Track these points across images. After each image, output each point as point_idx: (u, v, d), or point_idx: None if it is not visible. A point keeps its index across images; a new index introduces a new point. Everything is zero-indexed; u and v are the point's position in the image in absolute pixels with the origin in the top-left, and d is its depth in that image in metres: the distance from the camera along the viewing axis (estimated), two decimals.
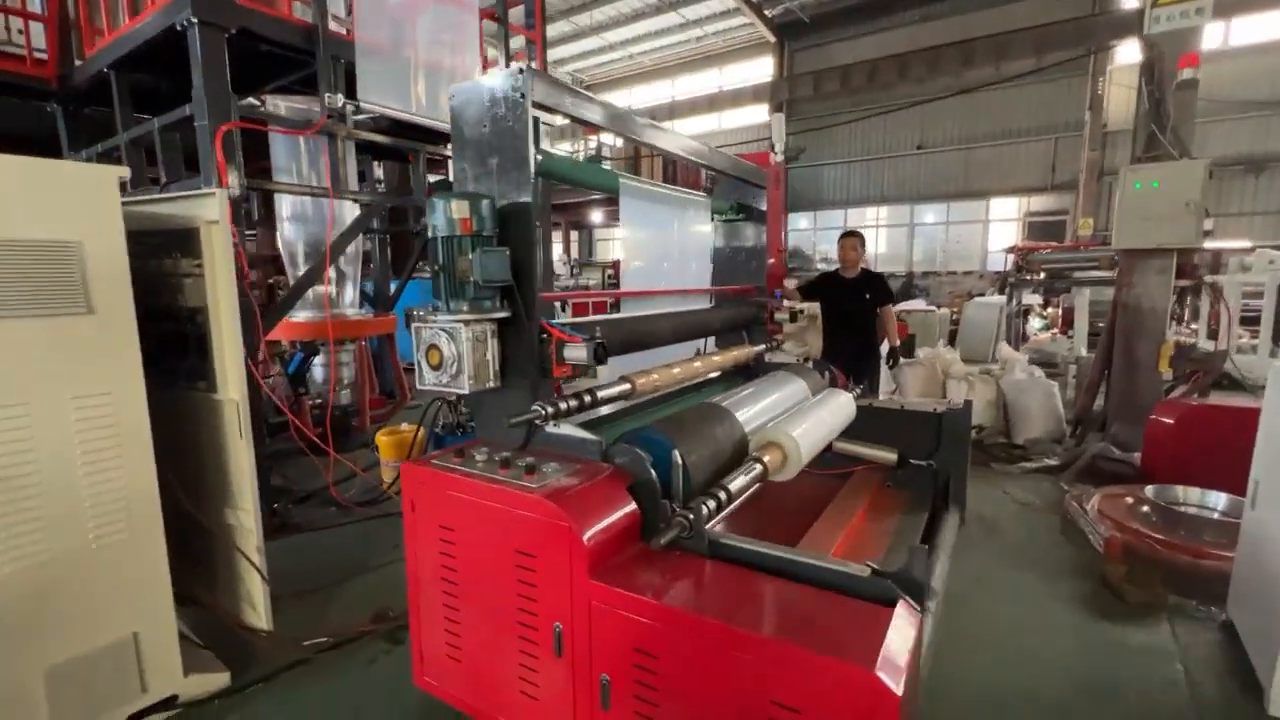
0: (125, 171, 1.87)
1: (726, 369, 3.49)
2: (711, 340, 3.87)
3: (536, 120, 2.08)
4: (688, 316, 3.03)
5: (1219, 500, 3.07)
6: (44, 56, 4.31)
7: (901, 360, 5.42)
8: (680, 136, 2.86)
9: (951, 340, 10.66)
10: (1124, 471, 3.96)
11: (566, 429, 2.01)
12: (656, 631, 1.46)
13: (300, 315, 4.81)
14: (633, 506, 1.78)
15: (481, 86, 2.01)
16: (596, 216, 19.89)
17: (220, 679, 2.19)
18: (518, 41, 5.30)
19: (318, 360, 4.88)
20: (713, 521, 2.43)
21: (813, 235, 20.36)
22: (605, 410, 2.59)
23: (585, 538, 1.58)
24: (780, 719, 1.30)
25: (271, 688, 2.23)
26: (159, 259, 2.27)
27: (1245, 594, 2.38)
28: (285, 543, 3.40)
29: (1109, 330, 4.39)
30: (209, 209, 2.13)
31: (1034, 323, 12.47)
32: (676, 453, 1.97)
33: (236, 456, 2.27)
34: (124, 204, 2.07)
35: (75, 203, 1.78)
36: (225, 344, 2.21)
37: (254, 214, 5.82)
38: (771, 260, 4.08)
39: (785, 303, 3.98)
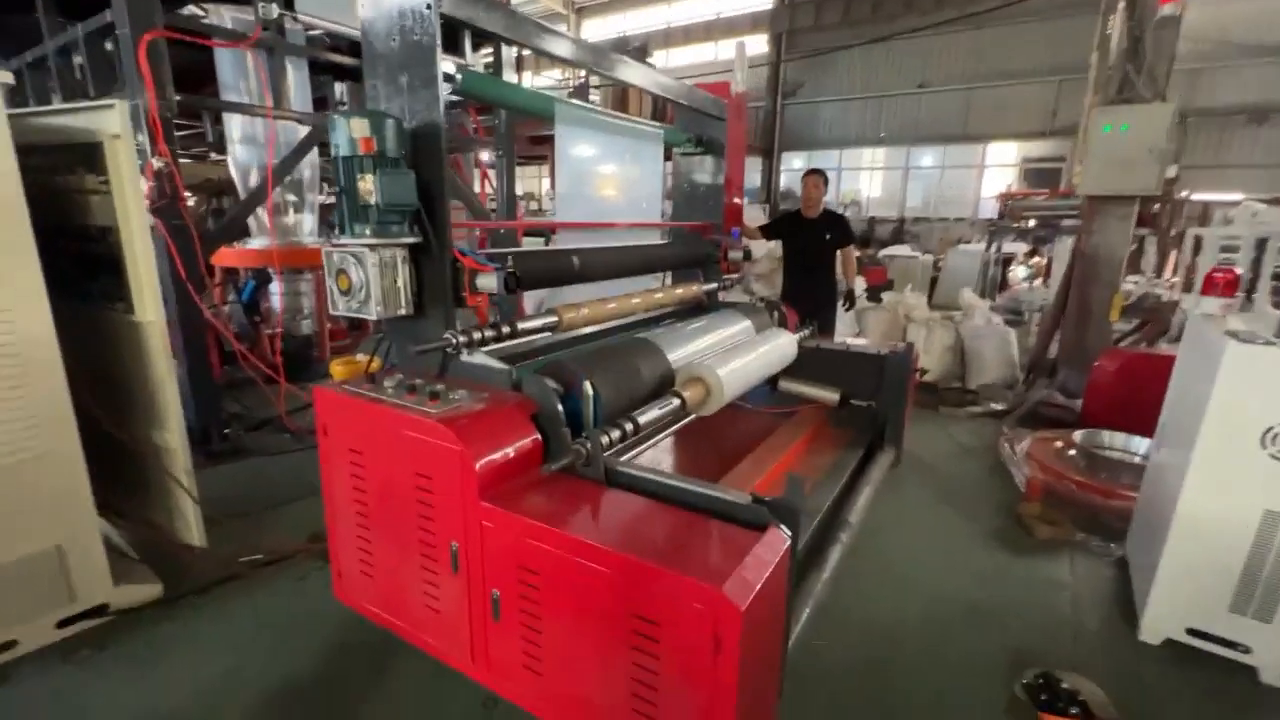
0: (8, 77, 1.78)
1: (678, 307, 3.49)
2: (670, 278, 3.87)
3: (488, 35, 1.97)
4: (630, 252, 2.99)
5: (1141, 445, 3.16)
6: None
7: (866, 302, 5.43)
8: (624, 61, 2.74)
9: (933, 286, 10.67)
10: (1065, 418, 4.05)
11: (480, 358, 2.03)
12: (537, 550, 1.52)
13: (255, 242, 4.72)
14: (535, 434, 1.81)
15: None
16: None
17: (153, 590, 2.28)
18: None
19: (276, 289, 4.83)
20: (633, 451, 2.50)
21: None
22: (540, 341, 2.61)
23: (476, 461, 1.62)
24: (641, 629, 1.38)
25: (203, 600, 2.32)
26: (64, 174, 2.20)
27: (1140, 530, 2.49)
28: (236, 466, 3.48)
29: (1066, 278, 4.39)
30: (111, 122, 2.05)
31: (1019, 271, 12.43)
32: (587, 384, 1.99)
33: (159, 379, 2.28)
34: (19, 114, 2.00)
35: None
36: (140, 265, 2.18)
37: (208, 135, 5.61)
38: (736, 199, 4.01)
39: (744, 241, 3.93)
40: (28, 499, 1.94)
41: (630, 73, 2.84)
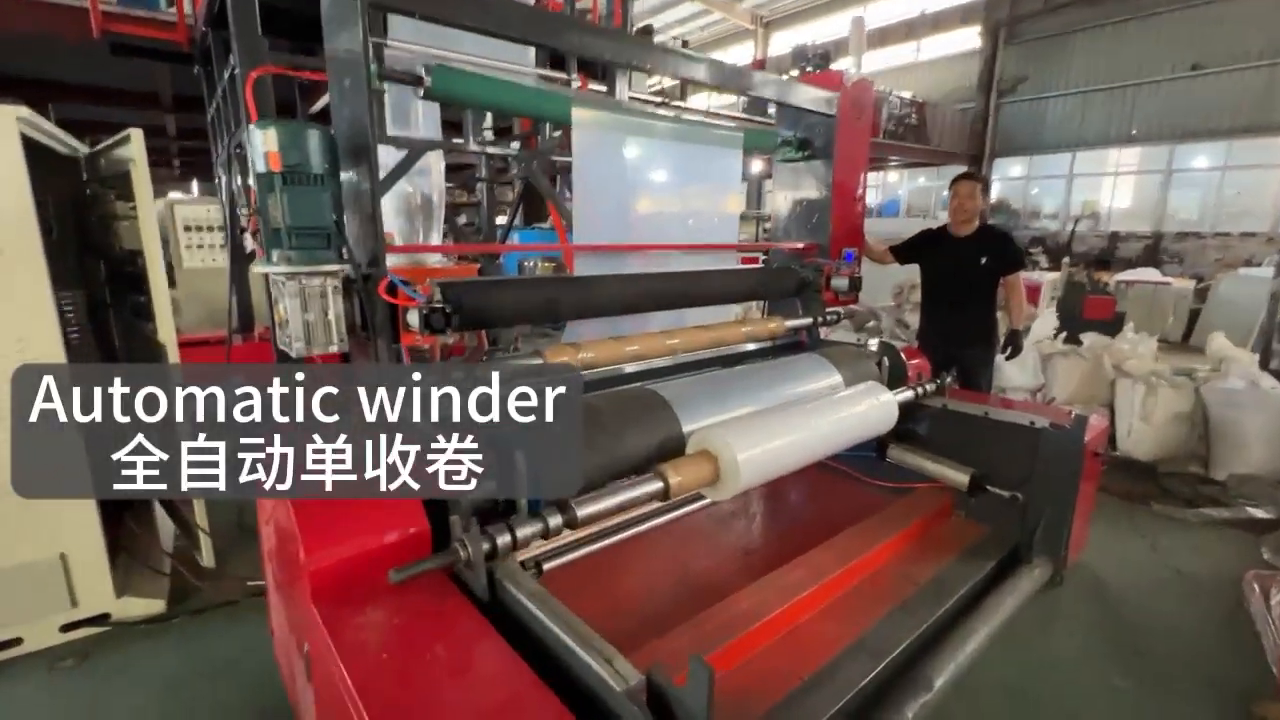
0: (23, 111, 1.88)
1: (738, 347, 2.85)
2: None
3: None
4: (670, 280, 2.45)
5: None
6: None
7: (1059, 345, 4.13)
8: (664, 51, 2.24)
9: (1191, 323, 8.18)
10: None
11: None
12: (342, 687, 1.11)
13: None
14: (419, 522, 1.41)
15: None
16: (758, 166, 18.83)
17: (154, 605, 2.33)
18: None
19: None
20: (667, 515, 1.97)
21: (1025, 185, 16.93)
22: None
23: (310, 552, 1.27)
24: None
25: (195, 621, 2.32)
26: (113, 203, 2.36)
27: None
28: None
29: None
30: (131, 150, 2.12)
31: None
32: (519, 455, 1.54)
33: None
34: (92, 152, 2.14)
35: None
36: (156, 285, 2.23)
37: None
38: (854, 213, 3.23)
39: (855, 268, 3.13)
40: (38, 508, 2.04)
41: (681, 66, 2.34)
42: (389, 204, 4.98)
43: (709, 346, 2.51)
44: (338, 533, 1.31)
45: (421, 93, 1.91)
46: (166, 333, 2.26)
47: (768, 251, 3.28)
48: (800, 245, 3.12)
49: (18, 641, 2.10)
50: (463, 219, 11.18)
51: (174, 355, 2.28)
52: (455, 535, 1.38)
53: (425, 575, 1.33)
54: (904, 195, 19.32)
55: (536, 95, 2.12)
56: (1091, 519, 2.81)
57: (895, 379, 2.88)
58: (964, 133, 16.23)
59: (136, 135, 2.10)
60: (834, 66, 15.07)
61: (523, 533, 1.39)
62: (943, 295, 3.37)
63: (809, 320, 2.92)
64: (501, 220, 6.51)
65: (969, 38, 15.99)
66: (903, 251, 3.48)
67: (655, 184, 2.52)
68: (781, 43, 20.72)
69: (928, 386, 2.74)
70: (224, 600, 2.41)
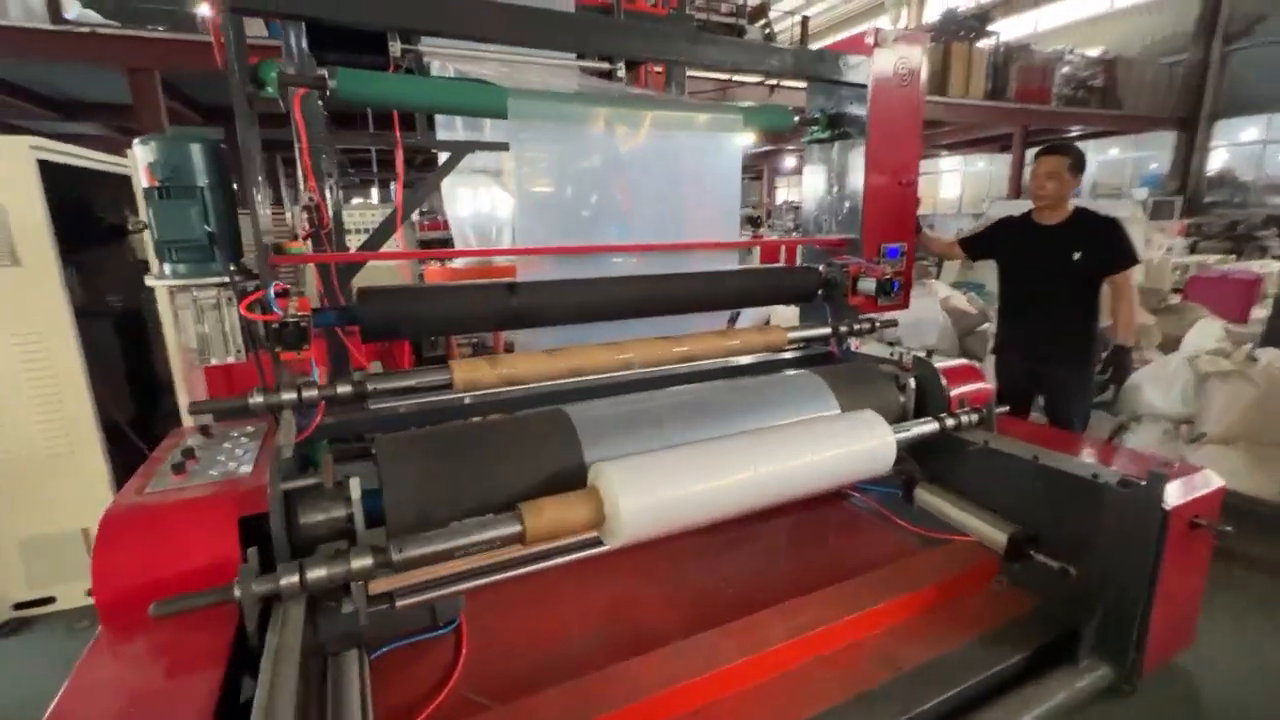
0: (35, 140, 2.13)
1: (729, 360, 2.46)
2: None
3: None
4: (641, 286, 2.18)
5: None
6: None
7: (1224, 363, 3.12)
8: (623, 30, 1.96)
9: None
10: None
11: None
12: None
13: (459, 262, 5.25)
14: (229, 550, 1.34)
15: None
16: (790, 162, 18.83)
17: None
18: None
19: None
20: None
21: (1263, 152, 13.53)
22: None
23: (96, 573, 1.25)
24: None
25: None
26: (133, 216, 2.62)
27: None
28: None
29: None
30: (129, 167, 2.32)
31: None
32: (354, 482, 1.43)
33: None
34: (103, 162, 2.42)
35: None
36: (163, 295, 2.44)
37: None
38: (905, 195, 2.68)
39: (885, 268, 2.57)
40: (64, 486, 2.35)
41: (656, 47, 2.01)
42: (461, 207, 5.17)
43: (679, 361, 2.19)
44: (134, 556, 1.29)
45: (328, 95, 1.85)
46: (170, 339, 2.47)
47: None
48: (829, 240, 2.66)
49: (51, 600, 2.43)
50: None
51: (174, 358, 2.49)
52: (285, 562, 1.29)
53: (219, 609, 1.27)
54: (1090, 171, 16.44)
55: (467, 90, 1.97)
56: (1223, 609, 2.09)
57: (928, 404, 2.34)
58: (1169, 91, 13.34)
59: (130, 153, 2.30)
60: (991, 27, 13.16)
61: (314, 574, 1.26)
62: (1023, 299, 2.68)
63: (824, 330, 2.46)
64: None
65: None
66: (975, 244, 2.83)
67: (625, 179, 2.26)
68: (938, 8, 18.63)
69: (967, 417, 2.19)
70: None
